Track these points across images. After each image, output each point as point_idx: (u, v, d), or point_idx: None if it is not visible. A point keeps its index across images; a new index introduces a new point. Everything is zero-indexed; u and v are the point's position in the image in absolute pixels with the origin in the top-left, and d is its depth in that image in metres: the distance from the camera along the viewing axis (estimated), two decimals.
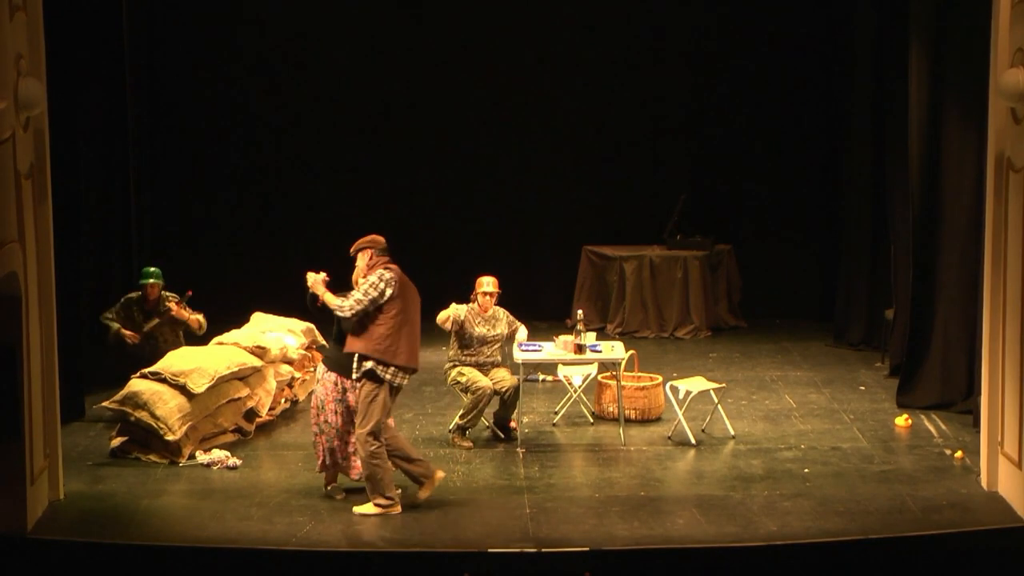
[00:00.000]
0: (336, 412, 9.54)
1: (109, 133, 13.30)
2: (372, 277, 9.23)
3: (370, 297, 9.17)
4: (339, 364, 9.47)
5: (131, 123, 13.74)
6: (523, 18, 15.26)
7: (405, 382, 9.35)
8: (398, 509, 9.36)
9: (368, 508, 9.34)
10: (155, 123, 15.00)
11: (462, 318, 10.97)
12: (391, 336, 9.19)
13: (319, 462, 9.69)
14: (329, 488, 9.71)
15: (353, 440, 9.48)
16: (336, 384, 9.53)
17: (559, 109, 15.44)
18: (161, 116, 15.09)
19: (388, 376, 9.21)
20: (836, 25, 14.71)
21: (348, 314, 9.19)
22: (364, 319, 9.21)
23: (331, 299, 9.30)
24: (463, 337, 11.00)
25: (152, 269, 12.10)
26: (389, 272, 9.26)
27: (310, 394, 12.07)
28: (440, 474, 9.60)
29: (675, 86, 15.44)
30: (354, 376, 9.29)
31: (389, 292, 9.19)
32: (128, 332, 11.89)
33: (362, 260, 9.37)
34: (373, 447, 9.23)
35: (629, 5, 15.34)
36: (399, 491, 9.45)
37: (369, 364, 9.19)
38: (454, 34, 15.27)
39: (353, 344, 9.27)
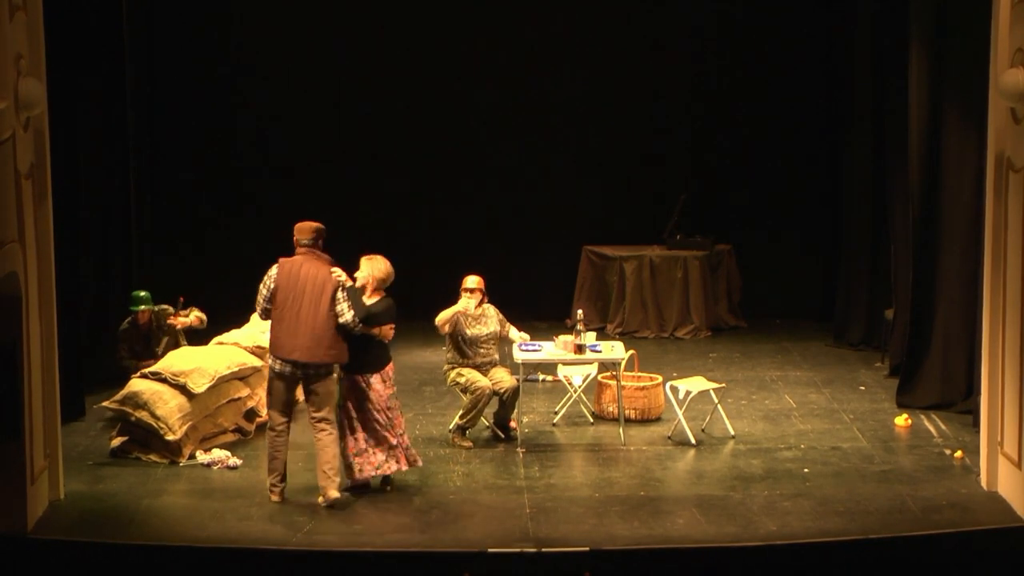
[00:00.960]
0: (379, 410, 9.71)
1: (109, 133, 13.28)
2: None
3: (262, 296, 9.63)
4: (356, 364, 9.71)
5: (131, 123, 13.72)
6: (523, 18, 15.25)
7: (287, 370, 9.54)
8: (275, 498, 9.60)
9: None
10: (155, 123, 14.99)
11: (458, 318, 10.93)
12: (273, 329, 9.62)
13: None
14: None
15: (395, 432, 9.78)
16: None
17: (559, 109, 15.43)
18: (161, 116, 15.07)
19: (271, 363, 9.64)
20: (836, 25, 14.71)
21: (262, 317, 9.77)
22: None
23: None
24: (457, 341, 10.97)
25: (142, 294, 11.85)
26: (274, 267, 9.62)
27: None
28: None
29: (675, 86, 15.43)
30: None
31: (272, 285, 9.56)
32: (145, 363, 11.49)
33: None
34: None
35: (629, 5, 15.35)
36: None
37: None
38: (454, 34, 15.27)
39: None
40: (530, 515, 9.34)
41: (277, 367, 9.53)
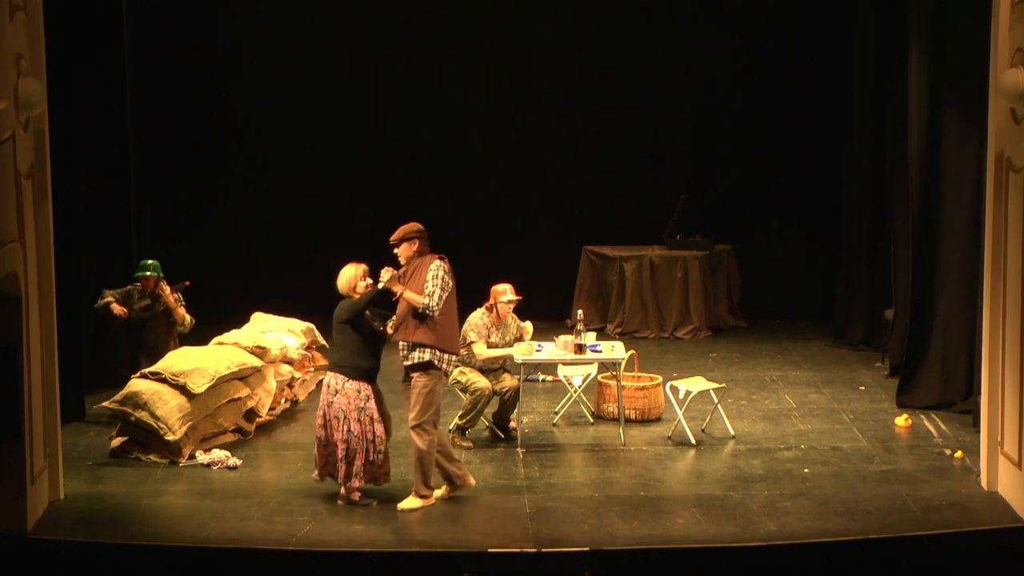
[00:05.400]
0: (359, 420, 9.43)
1: (109, 133, 13.29)
2: (437, 270, 9.35)
3: (447, 288, 9.35)
4: (362, 371, 9.44)
5: (131, 123, 13.72)
6: (523, 18, 15.26)
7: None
8: (433, 499, 9.51)
9: (413, 502, 9.43)
10: (155, 123, 15.00)
11: (490, 329, 10.95)
12: (452, 327, 9.47)
13: (319, 470, 9.62)
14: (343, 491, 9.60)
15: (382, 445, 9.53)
16: (359, 392, 9.44)
17: (560, 109, 15.44)
18: (161, 116, 15.09)
19: (445, 365, 9.43)
20: (836, 25, 14.71)
21: (436, 309, 9.28)
22: (419, 311, 9.31)
23: (414, 296, 9.34)
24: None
25: (149, 262, 11.81)
26: (444, 263, 9.45)
27: (310, 394, 12.11)
28: (472, 481, 9.67)
29: (675, 86, 15.43)
30: (408, 366, 9.41)
31: (451, 283, 9.40)
32: (117, 307, 11.50)
33: (410, 248, 9.51)
34: (432, 436, 9.41)
35: (629, 5, 15.35)
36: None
37: (427, 355, 9.32)
38: (455, 34, 15.27)
39: (414, 335, 9.32)
40: (530, 515, 9.34)
41: (451, 367, 9.67)
